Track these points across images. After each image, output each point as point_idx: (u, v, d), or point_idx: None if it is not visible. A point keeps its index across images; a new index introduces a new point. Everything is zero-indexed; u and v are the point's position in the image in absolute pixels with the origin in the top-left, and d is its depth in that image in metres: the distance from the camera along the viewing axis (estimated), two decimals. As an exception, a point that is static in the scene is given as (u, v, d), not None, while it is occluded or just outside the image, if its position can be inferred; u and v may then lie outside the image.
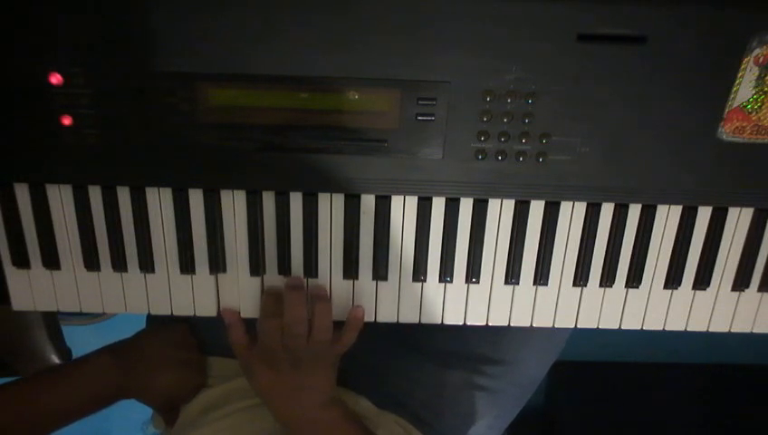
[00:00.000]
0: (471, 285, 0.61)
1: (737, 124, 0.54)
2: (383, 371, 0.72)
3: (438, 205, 0.58)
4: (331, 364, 0.63)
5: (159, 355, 0.69)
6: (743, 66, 0.52)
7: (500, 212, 0.58)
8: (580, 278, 0.60)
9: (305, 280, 0.60)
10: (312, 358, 0.61)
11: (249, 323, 0.63)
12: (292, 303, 0.59)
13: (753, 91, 0.53)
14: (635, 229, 0.59)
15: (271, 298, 0.60)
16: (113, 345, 0.68)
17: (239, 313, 0.62)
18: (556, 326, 0.63)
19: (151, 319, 0.78)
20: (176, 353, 0.70)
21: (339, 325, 0.61)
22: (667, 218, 0.59)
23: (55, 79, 0.52)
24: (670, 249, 0.60)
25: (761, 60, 0.52)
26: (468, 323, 0.62)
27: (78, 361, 0.67)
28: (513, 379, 0.74)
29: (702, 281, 0.61)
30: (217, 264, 0.59)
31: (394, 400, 0.72)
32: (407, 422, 0.72)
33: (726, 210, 0.59)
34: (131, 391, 0.67)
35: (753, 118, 0.54)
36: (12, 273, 0.60)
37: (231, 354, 0.72)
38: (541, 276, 0.60)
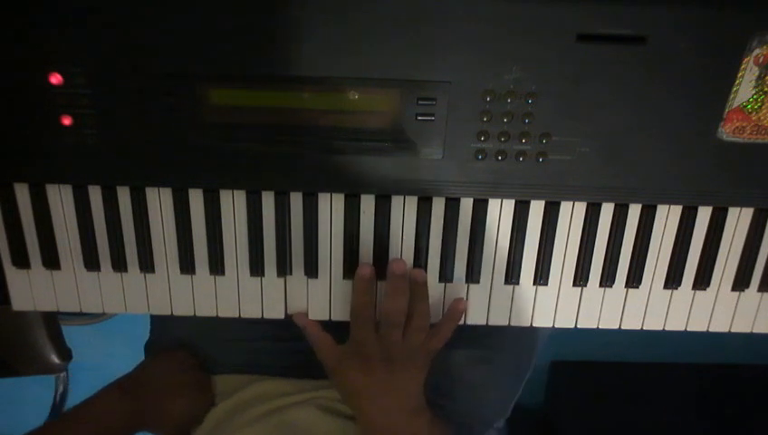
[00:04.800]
0: (471, 285, 0.61)
1: (737, 124, 0.54)
2: None
3: (438, 205, 0.58)
4: (423, 365, 0.61)
5: (167, 381, 0.69)
6: (743, 66, 0.52)
7: (500, 212, 0.58)
8: (580, 278, 0.60)
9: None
10: (407, 355, 0.59)
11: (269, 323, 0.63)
12: (396, 290, 0.58)
13: (753, 92, 0.53)
14: (635, 229, 0.59)
15: (364, 285, 0.59)
16: (119, 381, 0.68)
17: (307, 314, 0.61)
18: (556, 326, 0.63)
19: (150, 348, 0.79)
20: (182, 377, 0.70)
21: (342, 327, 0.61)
22: (667, 218, 0.59)
23: (55, 79, 0.52)
24: (670, 249, 0.60)
25: (761, 60, 0.52)
26: (468, 324, 0.62)
27: (87, 402, 0.66)
28: (509, 347, 0.75)
29: (702, 281, 0.61)
30: (217, 264, 0.59)
31: None
32: None
33: (726, 210, 0.59)
34: (145, 422, 0.67)
35: (753, 118, 0.54)
36: (12, 273, 0.60)
37: (232, 370, 0.72)
38: (541, 276, 0.60)
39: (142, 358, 0.81)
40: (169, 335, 0.75)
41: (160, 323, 0.78)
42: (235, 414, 0.68)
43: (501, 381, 0.76)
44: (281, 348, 0.72)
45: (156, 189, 0.57)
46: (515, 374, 0.78)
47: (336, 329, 0.61)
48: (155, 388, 0.68)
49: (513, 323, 0.62)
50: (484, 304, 0.62)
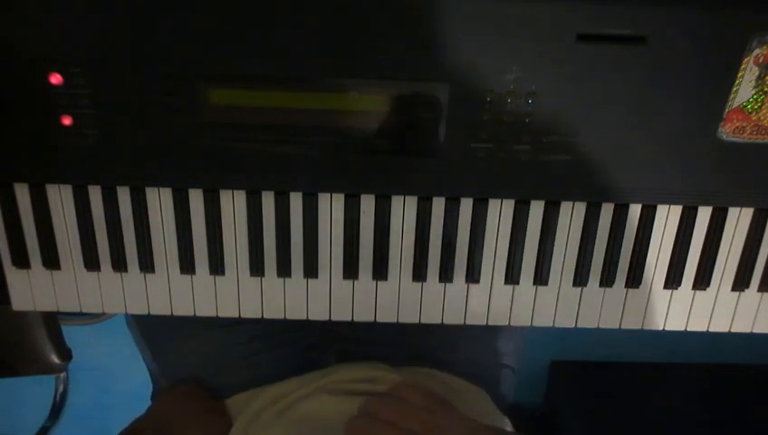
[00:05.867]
0: (471, 285, 0.61)
1: (737, 124, 0.54)
2: (390, 335, 0.73)
3: (438, 205, 0.58)
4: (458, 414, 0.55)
5: (182, 413, 0.69)
6: (743, 66, 0.52)
7: (500, 212, 0.58)
8: (580, 278, 0.60)
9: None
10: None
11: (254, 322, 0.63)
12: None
13: (753, 92, 0.53)
14: (635, 229, 0.59)
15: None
16: (134, 425, 0.68)
17: None
18: (556, 326, 0.63)
19: (156, 391, 0.79)
20: (196, 406, 0.70)
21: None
22: (667, 218, 0.59)
23: (55, 79, 0.52)
24: (670, 249, 0.60)
25: (761, 60, 0.52)
26: (468, 323, 0.62)
27: None
28: None
29: (702, 281, 0.61)
30: (217, 264, 0.59)
31: (409, 354, 0.72)
32: (429, 369, 0.72)
33: (726, 210, 0.59)
34: None
35: (753, 118, 0.54)
36: (12, 273, 0.60)
37: (241, 390, 0.72)
38: (541, 276, 0.60)
39: (142, 358, 0.81)
40: (172, 377, 0.76)
41: (160, 369, 0.79)
42: (251, 425, 0.68)
43: (496, 330, 0.77)
44: (279, 356, 0.72)
45: (156, 189, 0.57)
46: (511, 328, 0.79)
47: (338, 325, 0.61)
48: (172, 422, 0.68)
49: (513, 323, 0.62)
50: (485, 304, 0.62)
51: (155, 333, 0.77)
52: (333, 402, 0.66)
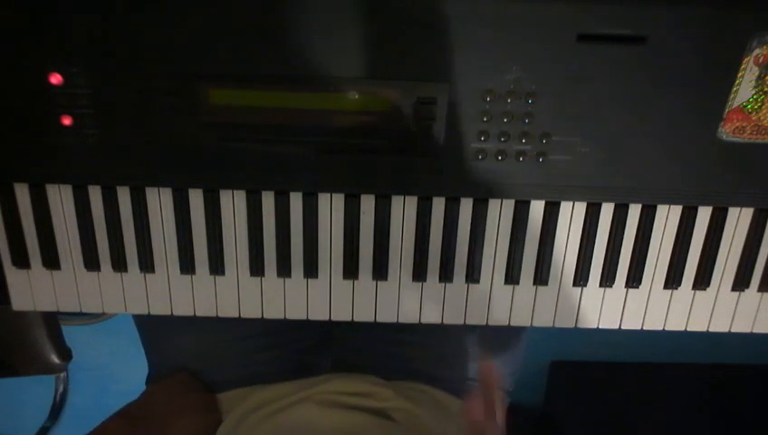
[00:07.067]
0: (471, 285, 0.61)
1: (737, 124, 0.54)
2: (387, 346, 0.73)
3: (438, 205, 0.58)
4: None
5: (173, 404, 0.69)
6: (743, 66, 0.52)
7: (500, 212, 0.58)
8: (580, 278, 0.60)
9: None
10: None
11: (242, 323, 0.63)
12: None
13: (753, 92, 0.53)
14: (635, 229, 0.59)
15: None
16: (125, 409, 0.67)
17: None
18: (556, 326, 0.63)
19: (151, 376, 0.79)
20: (187, 399, 0.70)
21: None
22: (667, 218, 0.59)
23: (55, 79, 0.52)
24: (670, 249, 0.60)
25: (761, 60, 0.52)
26: (468, 323, 0.62)
27: (94, 432, 0.64)
28: None
29: (702, 281, 0.61)
30: (217, 264, 0.59)
31: (405, 368, 0.72)
32: (422, 384, 0.72)
33: (726, 210, 0.59)
34: None
35: (753, 118, 0.54)
36: (12, 273, 0.60)
37: (234, 386, 0.72)
38: (541, 276, 0.60)
39: (142, 358, 0.81)
40: (168, 365, 0.76)
41: (157, 355, 0.78)
42: (239, 425, 0.68)
43: (494, 350, 0.78)
44: (276, 356, 0.72)
45: (156, 189, 0.57)
46: (507, 345, 0.79)
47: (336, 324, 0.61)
48: (162, 412, 0.68)
49: (513, 323, 0.62)
50: (484, 304, 0.62)
51: (153, 321, 0.77)
52: (320, 413, 0.66)
